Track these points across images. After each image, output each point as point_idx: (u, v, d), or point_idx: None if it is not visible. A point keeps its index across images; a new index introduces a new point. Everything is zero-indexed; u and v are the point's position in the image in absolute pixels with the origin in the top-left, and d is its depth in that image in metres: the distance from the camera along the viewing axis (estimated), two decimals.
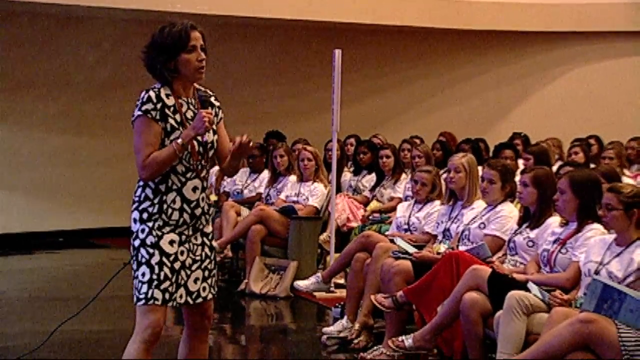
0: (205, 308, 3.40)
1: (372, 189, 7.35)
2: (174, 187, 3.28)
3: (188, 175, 3.30)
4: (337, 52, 6.68)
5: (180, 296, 3.28)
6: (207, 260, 3.38)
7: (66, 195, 9.22)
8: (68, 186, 9.19)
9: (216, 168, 8.14)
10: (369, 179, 7.54)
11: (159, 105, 3.25)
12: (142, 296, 3.21)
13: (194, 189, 3.32)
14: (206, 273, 3.37)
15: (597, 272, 3.92)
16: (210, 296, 3.39)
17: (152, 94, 3.26)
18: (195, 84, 3.41)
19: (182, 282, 3.28)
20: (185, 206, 3.29)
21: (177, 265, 3.25)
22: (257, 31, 9.88)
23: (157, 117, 3.24)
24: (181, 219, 3.28)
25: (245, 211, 7.27)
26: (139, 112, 3.24)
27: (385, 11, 9.47)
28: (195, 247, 3.34)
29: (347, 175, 7.92)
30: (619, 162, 6.61)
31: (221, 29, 9.67)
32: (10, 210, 9.10)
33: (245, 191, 7.75)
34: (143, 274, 3.22)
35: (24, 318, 5.94)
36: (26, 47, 8.97)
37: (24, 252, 8.75)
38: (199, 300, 3.35)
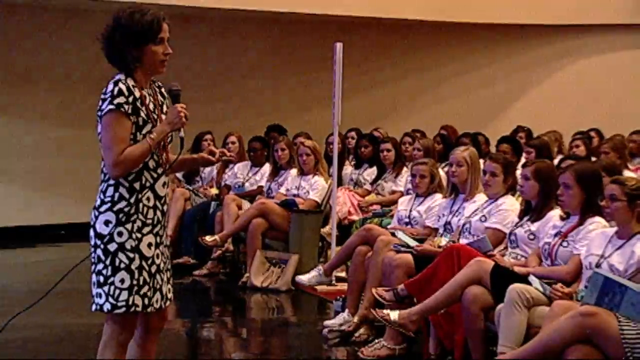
0: (165, 310, 3.29)
1: (373, 183, 7.36)
2: (147, 184, 3.15)
3: (158, 170, 3.18)
4: (338, 46, 6.67)
5: (157, 301, 3.17)
6: (168, 261, 3.29)
7: (68, 188, 9.22)
8: (70, 179, 9.19)
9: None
10: (370, 173, 7.55)
11: (130, 99, 3.07)
12: (121, 304, 3.08)
13: (164, 184, 3.21)
14: (169, 274, 3.28)
15: (598, 265, 3.93)
16: (172, 297, 3.30)
17: (122, 86, 3.07)
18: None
19: (158, 286, 3.17)
20: (157, 203, 3.18)
21: (153, 268, 3.15)
22: (258, 24, 9.87)
23: (130, 111, 3.07)
24: (155, 217, 3.17)
25: (246, 204, 7.28)
26: (111, 106, 3.04)
27: (386, 4, 9.46)
28: (165, 248, 3.25)
29: (348, 169, 7.92)
30: (617, 155, 6.60)
31: (222, 22, 9.66)
32: (12, 203, 9.10)
33: (247, 184, 7.76)
34: (122, 280, 3.07)
35: (26, 311, 5.94)
36: (27, 40, 8.96)
37: (26, 246, 8.76)
38: (168, 303, 3.26)
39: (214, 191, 7.87)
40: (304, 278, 5.84)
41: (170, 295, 3.28)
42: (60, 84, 9.19)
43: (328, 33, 9.19)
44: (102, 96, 3.10)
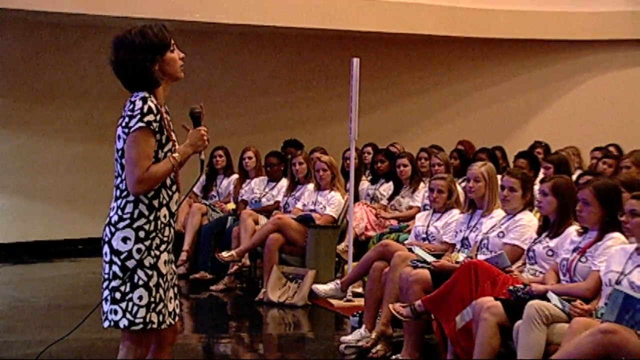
0: (176, 323, 3.32)
1: (390, 199, 7.33)
2: (164, 201, 3.17)
3: (173, 188, 3.21)
4: (355, 61, 6.69)
5: (166, 317, 3.20)
6: (175, 277, 3.32)
7: (86, 203, 9.27)
8: (88, 194, 9.24)
9: (235, 176, 8.18)
10: (387, 188, 7.53)
11: (158, 117, 3.09)
12: (139, 320, 3.10)
13: (176, 202, 3.24)
14: (175, 290, 3.30)
15: (618, 282, 3.89)
16: (179, 312, 3.33)
17: (151, 104, 3.08)
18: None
19: (166, 302, 3.20)
20: (171, 221, 3.21)
21: (166, 285, 3.19)
22: (275, 40, 9.91)
23: (157, 129, 3.09)
24: (170, 235, 3.20)
25: (263, 220, 7.28)
26: (141, 124, 3.05)
27: (403, 20, 9.47)
28: (172, 265, 3.28)
29: (364, 184, 7.91)
30: (638, 170, 6.55)
31: (239, 37, 9.71)
32: (30, 217, 9.16)
33: (263, 199, 7.76)
34: (140, 297, 3.10)
35: (44, 326, 5.98)
36: (47, 56, 9.05)
37: (43, 260, 8.81)
38: (176, 319, 3.28)
39: (231, 206, 7.88)
40: (320, 288, 5.82)
41: (177, 310, 3.30)
42: (79, 100, 9.27)
43: (345, 48, 9.22)
44: (129, 113, 3.08)
